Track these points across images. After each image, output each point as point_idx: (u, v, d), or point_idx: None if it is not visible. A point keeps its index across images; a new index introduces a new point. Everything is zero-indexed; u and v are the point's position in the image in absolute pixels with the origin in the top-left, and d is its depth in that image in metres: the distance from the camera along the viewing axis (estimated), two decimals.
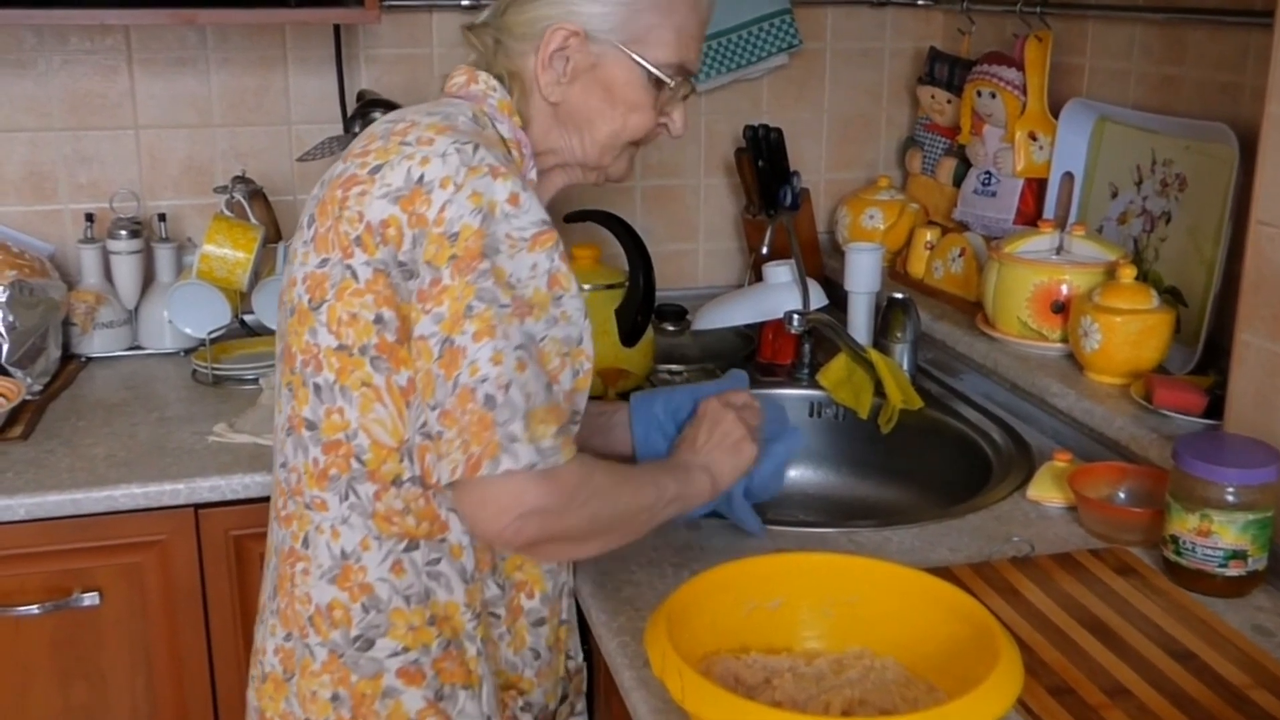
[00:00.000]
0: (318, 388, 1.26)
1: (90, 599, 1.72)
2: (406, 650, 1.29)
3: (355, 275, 1.22)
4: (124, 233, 2.18)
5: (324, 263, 1.24)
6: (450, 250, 1.17)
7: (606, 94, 1.36)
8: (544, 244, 1.21)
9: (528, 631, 1.37)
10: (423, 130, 1.23)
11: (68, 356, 2.16)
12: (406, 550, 1.28)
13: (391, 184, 1.20)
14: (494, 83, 1.35)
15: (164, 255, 2.24)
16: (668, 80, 1.36)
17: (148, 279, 2.24)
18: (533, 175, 1.36)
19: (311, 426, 1.27)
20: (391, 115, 1.33)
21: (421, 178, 1.19)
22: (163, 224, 2.25)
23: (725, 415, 1.45)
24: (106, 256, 2.20)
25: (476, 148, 1.21)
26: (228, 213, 2.15)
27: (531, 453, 1.15)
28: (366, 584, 1.28)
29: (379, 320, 1.22)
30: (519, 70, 1.36)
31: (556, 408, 1.19)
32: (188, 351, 2.20)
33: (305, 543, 1.30)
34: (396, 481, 1.26)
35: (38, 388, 2.00)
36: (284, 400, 1.31)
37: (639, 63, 1.34)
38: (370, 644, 1.28)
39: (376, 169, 1.22)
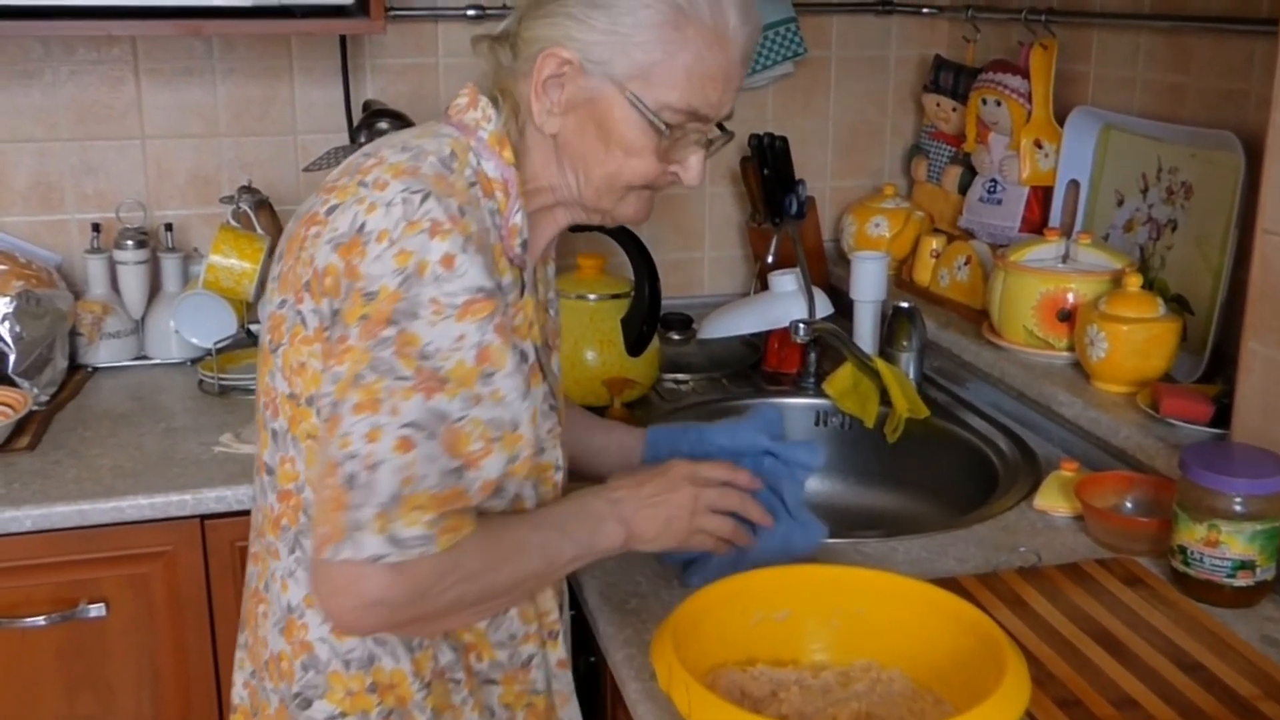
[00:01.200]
0: (274, 433, 1.21)
1: (96, 610, 1.72)
2: (344, 715, 1.23)
3: (304, 322, 1.16)
4: (130, 243, 2.18)
5: (283, 304, 1.18)
6: (364, 309, 1.09)
7: (601, 132, 1.22)
8: (476, 313, 1.10)
9: (480, 690, 1.29)
10: (382, 171, 1.15)
11: (74, 367, 2.16)
12: None
13: (338, 229, 1.13)
14: (491, 111, 1.23)
15: (170, 265, 2.25)
16: (660, 127, 1.21)
17: (154, 289, 2.24)
18: (517, 220, 1.22)
19: (270, 472, 1.23)
20: (369, 146, 1.24)
21: (363, 226, 1.11)
22: (169, 234, 2.25)
23: (681, 489, 1.30)
24: (113, 266, 2.21)
25: (426, 198, 1.11)
26: (234, 223, 2.16)
27: (379, 544, 1.05)
28: (307, 642, 1.23)
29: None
30: (516, 93, 1.24)
31: (453, 494, 1.09)
32: (194, 361, 2.21)
33: (266, 586, 1.27)
34: None
35: (44, 398, 2.00)
36: (258, 437, 1.27)
37: (634, 103, 1.20)
38: (308, 703, 1.23)
39: (332, 210, 1.15)
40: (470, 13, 2.34)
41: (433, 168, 1.16)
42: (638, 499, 1.28)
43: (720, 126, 1.29)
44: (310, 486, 1.19)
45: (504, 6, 2.34)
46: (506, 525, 1.19)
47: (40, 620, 1.70)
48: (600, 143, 1.22)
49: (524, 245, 1.24)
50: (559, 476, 1.32)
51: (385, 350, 1.08)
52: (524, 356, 1.22)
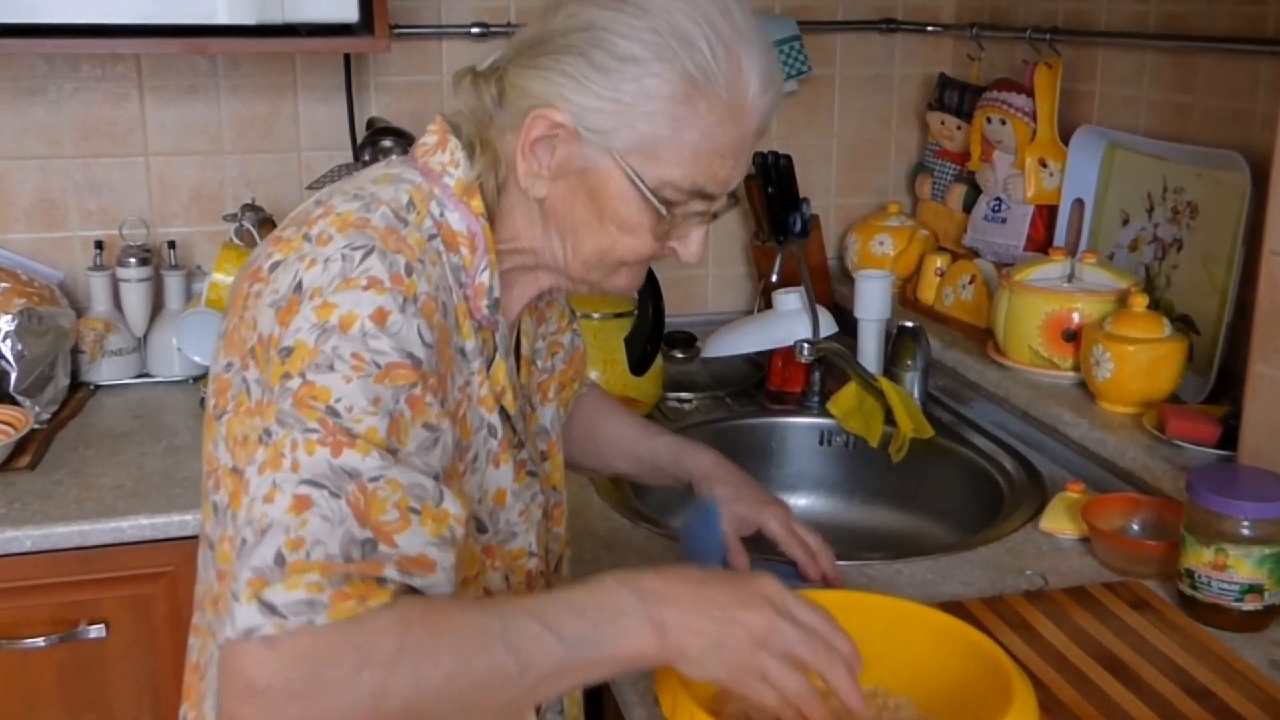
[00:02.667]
0: (216, 507, 1.09)
1: (97, 631, 1.71)
2: None
3: (249, 391, 1.04)
4: (133, 260, 2.18)
5: (229, 367, 1.07)
6: (283, 368, 0.97)
7: (594, 204, 1.09)
8: (396, 379, 0.96)
9: None
10: (328, 223, 1.04)
11: (76, 384, 2.15)
12: None
13: (278, 290, 1.02)
14: (460, 155, 1.11)
15: (173, 283, 2.24)
16: (661, 210, 1.09)
17: (157, 306, 2.24)
18: (484, 278, 1.11)
19: (211, 546, 1.12)
20: (323, 191, 1.13)
21: (300, 285, 1.00)
22: (172, 251, 2.25)
23: (757, 608, 1.00)
24: (116, 284, 2.20)
25: (368, 254, 1.00)
26: (237, 240, 2.15)
27: (251, 615, 0.86)
28: None
29: None
30: (499, 147, 1.12)
31: (357, 565, 0.89)
32: (196, 379, 2.20)
33: (207, 664, 1.15)
34: None
35: (46, 416, 1.99)
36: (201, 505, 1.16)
37: (632, 179, 1.08)
38: None
39: (275, 266, 1.04)
40: (474, 30, 2.34)
41: (384, 219, 1.04)
42: (691, 601, 0.99)
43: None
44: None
45: (509, 24, 2.34)
46: (455, 603, 0.95)
47: (40, 641, 1.69)
48: (593, 215, 1.10)
49: (494, 306, 1.12)
50: (533, 565, 1.19)
51: (286, 401, 0.95)
52: (492, 431, 1.14)
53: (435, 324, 1.02)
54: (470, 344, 1.10)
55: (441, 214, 1.09)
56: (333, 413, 0.94)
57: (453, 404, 1.06)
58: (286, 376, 0.96)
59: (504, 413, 1.16)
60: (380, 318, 0.98)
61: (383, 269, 1.00)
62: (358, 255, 1.00)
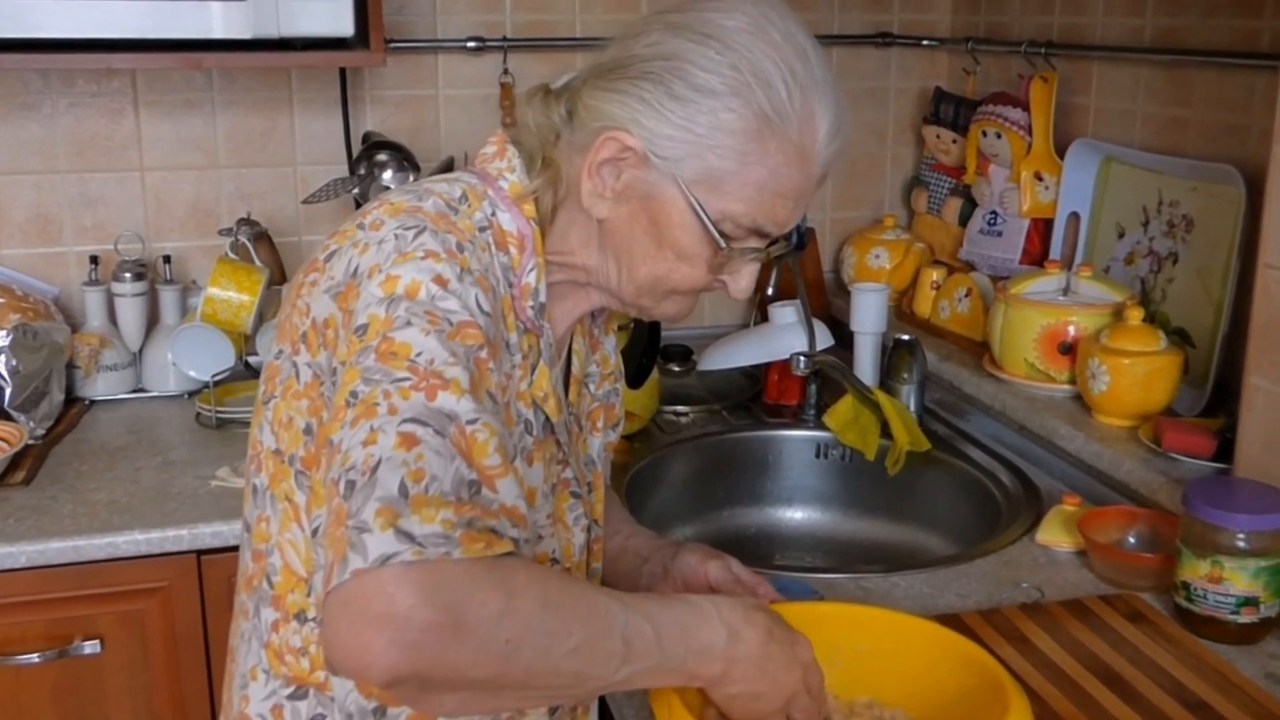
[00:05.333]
0: (255, 489, 1.13)
1: (91, 647, 1.70)
2: None
3: (298, 375, 1.07)
4: (128, 275, 2.18)
5: (279, 354, 1.10)
6: (360, 344, 0.96)
7: (654, 229, 1.11)
8: (466, 338, 0.97)
9: None
10: (380, 211, 1.07)
11: (71, 400, 2.15)
12: (292, 697, 1.10)
13: (334, 277, 1.05)
14: (517, 163, 1.13)
15: (168, 297, 2.24)
16: (720, 242, 1.10)
17: (152, 321, 2.24)
18: (530, 279, 1.12)
19: (248, 529, 1.14)
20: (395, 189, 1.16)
21: (356, 269, 1.02)
22: (167, 266, 2.25)
23: (795, 671, 1.07)
24: (111, 299, 2.20)
25: (420, 232, 1.02)
26: (232, 255, 2.15)
27: (388, 542, 0.83)
28: (246, 715, 1.13)
29: (308, 431, 1.06)
30: (563, 165, 1.13)
31: (474, 506, 0.88)
32: (191, 394, 2.20)
33: (237, 645, 1.18)
34: (300, 616, 1.09)
35: (40, 432, 1.99)
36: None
37: (695, 210, 1.09)
38: None
39: (330, 256, 1.07)
40: (470, 44, 2.34)
41: (435, 206, 1.07)
42: (757, 650, 1.04)
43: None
44: (286, 549, 1.09)
45: (504, 39, 2.35)
46: (579, 579, 0.97)
47: (34, 658, 1.69)
48: (652, 240, 1.12)
49: (539, 310, 1.12)
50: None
51: (368, 359, 0.94)
52: (528, 427, 1.13)
53: (489, 298, 1.04)
54: (513, 338, 1.11)
55: (493, 213, 1.11)
56: (413, 363, 0.94)
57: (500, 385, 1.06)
58: (365, 351, 0.96)
59: (547, 422, 1.16)
60: (441, 282, 0.99)
61: (436, 243, 1.02)
62: (410, 234, 1.02)
